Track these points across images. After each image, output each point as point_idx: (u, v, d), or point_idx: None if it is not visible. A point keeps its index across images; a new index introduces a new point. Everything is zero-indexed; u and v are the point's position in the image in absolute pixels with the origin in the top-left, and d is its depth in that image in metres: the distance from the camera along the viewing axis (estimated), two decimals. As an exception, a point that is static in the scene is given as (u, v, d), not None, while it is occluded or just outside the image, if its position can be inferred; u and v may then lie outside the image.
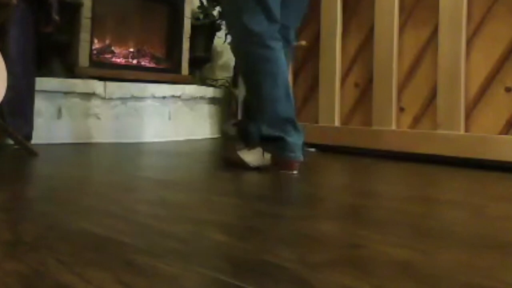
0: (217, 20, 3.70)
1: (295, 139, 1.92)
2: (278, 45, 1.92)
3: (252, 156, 1.95)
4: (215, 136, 3.64)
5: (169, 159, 2.44)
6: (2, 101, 1.98)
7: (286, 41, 2.04)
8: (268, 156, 1.94)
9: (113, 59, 3.24)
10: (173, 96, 3.29)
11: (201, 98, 3.51)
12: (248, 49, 1.91)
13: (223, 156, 2.12)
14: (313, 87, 2.88)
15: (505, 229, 1.18)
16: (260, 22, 1.88)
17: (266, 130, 1.92)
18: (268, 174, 1.91)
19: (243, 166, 1.94)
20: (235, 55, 2.08)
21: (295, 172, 1.91)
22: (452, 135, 2.31)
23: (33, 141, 2.40)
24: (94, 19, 2.99)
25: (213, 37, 3.80)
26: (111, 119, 3.01)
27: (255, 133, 1.95)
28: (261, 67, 1.90)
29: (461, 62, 2.30)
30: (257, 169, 1.94)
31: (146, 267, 0.79)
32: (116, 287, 0.70)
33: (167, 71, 3.43)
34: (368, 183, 1.94)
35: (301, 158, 1.93)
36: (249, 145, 1.98)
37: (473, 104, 2.30)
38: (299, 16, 2.12)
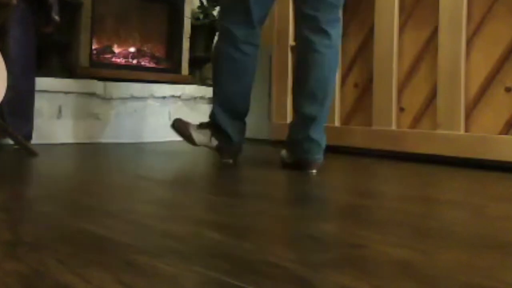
0: (217, 20, 3.69)
1: (234, 127, 2.10)
2: (250, 50, 2.04)
3: (198, 135, 2.16)
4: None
5: (169, 159, 2.44)
6: (2, 101, 1.98)
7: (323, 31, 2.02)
8: (214, 142, 2.13)
9: (113, 59, 3.24)
10: (173, 96, 3.29)
11: (201, 98, 3.51)
12: (223, 49, 2.06)
13: (174, 125, 2.26)
14: (313, 87, 2.88)
15: (505, 229, 1.18)
16: (238, 26, 2.01)
17: (215, 118, 2.10)
18: (268, 174, 1.91)
19: (190, 141, 2.17)
20: (213, 53, 2.24)
21: (230, 160, 2.13)
22: (452, 135, 2.31)
23: (33, 141, 2.40)
24: (94, 19, 2.99)
25: (213, 37, 3.80)
26: (111, 119, 3.01)
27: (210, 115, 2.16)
28: (228, 67, 2.05)
29: (461, 62, 2.30)
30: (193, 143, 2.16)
31: (146, 267, 0.79)
32: (116, 287, 0.70)
33: (167, 71, 3.43)
34: (368, 183, 1.94)
35: (240, 149, 2.15)
36: (202, 124, 2.18)
37: (473, 104, 2.30)
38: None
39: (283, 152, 2.12)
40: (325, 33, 1.96)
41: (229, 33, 2.02)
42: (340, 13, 2.05)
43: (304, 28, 2.00)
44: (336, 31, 2.00)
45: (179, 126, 2.22)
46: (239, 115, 2.13)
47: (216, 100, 2.13)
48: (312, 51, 1.96)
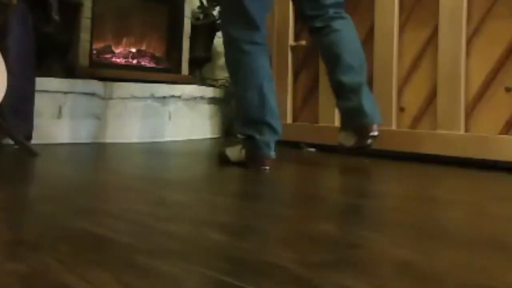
0: (217, 20, 3.69)
1: (267, 138, 2.00)
2: (254, 49, 2.01)
3: (231, 152, 2.11)
4: (215, 136, 3.64)
5: (169, 159, 2.44)
6: (2, 101, 1.98)
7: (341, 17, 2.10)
8: (243, 152, 2.06)
9: (113, 59, 3.24)
10: (173, 96, 3.29)
11: (201, 98, 3.51)
12: (229, 53, 2.06)
13: (217, 151, 2.27)
14: (313, 87, 2.88)
15: (505, 229, 1.18)
16: (237, 28, 2.01)
17: (241, 129, 2.05)
18: (268, 174, 1.91)
19: (226, 161, 2.11)
20: (225, 61, 2.17)
21: (266, 167, 2.00)
22: (452, 135, 2.31)
23: (33, 141, 2.40)
24: (94, 19, 2.99)
25: (213, 37, 3.80)
26: (111, 119, 3.01)
27: (235, 131, 2.15)
28: (236, 70, 2.04)
29: (461, 62, 2.30)
30: (238, 164, 2.05)
31: (146, 267, 0.79)
32: (116, 287, 0.70)
33: (167, 71, 3.43)
34: (368, 183, 1.94)
35: (272, 156, 2.02)
36: (233, 141, 2.17)
37: (473, 104, 2.30)
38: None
39: (341, 137, 2.14)
40: (339, 16, 2.07)
41: (231, 38, 2.02)
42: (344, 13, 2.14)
43: (316, 27, 2.08)
44: (348, 18, 2.11)
45: (217, 152, 2.23)
46: (265, 123, 2.02)
47: (239, 118, 2.07)
48: (333, 31, 2.04)
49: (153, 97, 3.19)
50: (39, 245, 0.89)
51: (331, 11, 2.07)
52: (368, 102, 2.03)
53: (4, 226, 1.05)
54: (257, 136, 1.99)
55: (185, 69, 3.48)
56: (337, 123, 2.77)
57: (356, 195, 1.62)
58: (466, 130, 2.30)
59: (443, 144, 2.34)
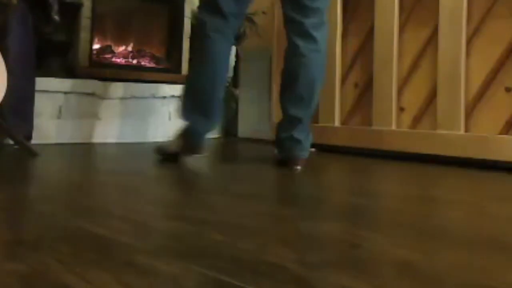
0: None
1: (199, 125, 2.07)
2: (217, 37, 2.04)
3: (172, 142, 2.14)
4: (215, 136, 3.64)
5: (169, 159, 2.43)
6: (2, 101, 1.98)
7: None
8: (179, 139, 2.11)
9: (113, 59, 3.24)
10: (173, 96, 3.29)
11: (201, 98, 3.50)
12: (194, 37, 2.17)
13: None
14: (313, 87, 2.87)
15: (505, 229, 1.18)
16: (207, 14, 2.04)
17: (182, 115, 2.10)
18: (268, 174, 1.91)
19: (168, 151, 2.13)
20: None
21: (204, 154, 2.11)
22: (452, 135, 2.31)
23: (33, 141, 2.40)
24: (94, 19, 2.99)
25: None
26: (111, 119, 3.01)
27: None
28: (196, 53, 2.12)
29: (461, 62, 2.30)
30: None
31: (146, 267, 0.79)
32: (116, 287, 0.70)
33: (167, 71, 3.43)
34: (368, 183, 1.94)
35: (203, 145, 2.10)
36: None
37: (473, 104, 2.30)
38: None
39: (276, 150, 2.17)
40: (311, 37, 2.02)
41: (200, 21, 2.09)
42: (325, 16, 2.09)
43: (291, 32, 2.06)
44: (322, 35, 2.06)
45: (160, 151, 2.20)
46: (209, 106, 2.08)
47: (184, 93, 2.13)
48: (299, 55, 2.03)
49: (153, 97, 3.18)
50: (39, 245, 0.89)
51: (310, 21, 2.02)
52: (298, 137, 2.05)
53: (4, 226, 1.05)
54: (193, 126, 2.06)
55: (185, 69, 3.47)
56: (337, 123, 2.77)
57: (356, 195, 1.62)
58: (466, 130, 2.30)
59: (443, 144, 2.33)
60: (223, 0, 2.03)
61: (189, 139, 2.08)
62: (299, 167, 2.01)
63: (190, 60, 2.18)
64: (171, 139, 2.18)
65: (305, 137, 2.08)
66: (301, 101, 2.04)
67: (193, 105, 2.06)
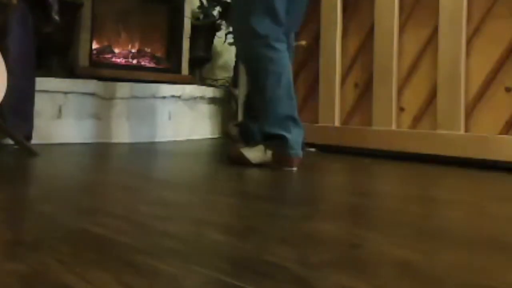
0: (217, 20, 3.69)
1: (295, 136, 1.99)
2: (282, 46, 2.02)
3: (253, 153, 2.01)
4: (215, 136, 3.64)
5: (169, 159, 2.44)
6: (2, 101, 1.98)
7: (287, 44, 2.10)
8: (269, 153, 1.99)
9: (113, 59, 3.24)
10: (173, 96, 3.29)
11: (201, 98, 3.51)
12: (255, 50, 2.00)
13: (228, 155, 2.14)
14: (313, 87, 2.88)
15: (505, 229, 1.18)
16: (266, 25, 1.98)
17: (268, 128, 2.00)
18: (268, 174, 1.91)
19: (245, 163, 1.99)
20: (241, 57, 2.16)
21: (294, 168, 1.97)
22: (452, 135, 2.31)
23: (33, 141, 2.40)
24: (94, 19, 2.99)
25: (213, 37, 3.80)
26: (111, 119, 3.01)
27: (257, 131, 2.07)
28: (266, 67, 1.99)
29: (461, 62, 2.30)
30: (259, 166, 1.98)
31: (146, 267, 0.79)
32: (116, 287, 0.70)
33: (167, 71, 3.43)
34: (368, 183, 1.94)
35: (301, 155, 2.00)
36: (251, 143, 2.07)
37: (473, 104, 2.30)
38: (299, 21, 2.24)
39: (246, 150, 2.09)
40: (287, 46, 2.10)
41: (258, 34, 1.97)
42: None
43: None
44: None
45: (231, 156, 2.11)
46: (291, 115, 2.02)
47: (266, 116, 2.01)
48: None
49: (153, 97, 3.18)
50: (39, 245, 0.89)
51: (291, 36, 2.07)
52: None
53: (4, 226, 1.05)
54: (287, 135, 1.96)
55: (185, 69, 3.48)
56: (337, 123, 2.77)
57: (356, 195, 1.62)
58: (466, 130, 2.30)
59: (443, 144, 2.33)
60: (280, 8, 1.99)
61: (284, 151, 1.97)
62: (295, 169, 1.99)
63: (258, 74, 2.02)
64: (251, 147, 2.03)
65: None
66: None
67: (282, 117, 1.98)
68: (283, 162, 1.97)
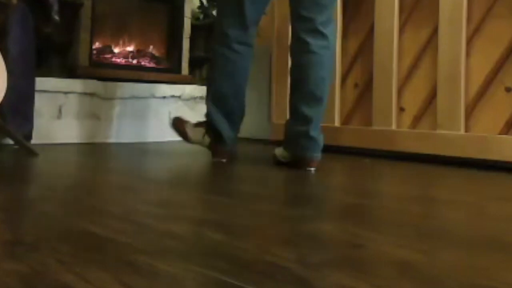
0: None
1: (224, 127, 2.14)
2: (243, 50, 2.10)
3: (193, 132, 2.22)
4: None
5: (169, 159, 2.44)
6: (2, 101, 1.98)
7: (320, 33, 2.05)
8: (207, 140, 2.19)
9: (113, 59, 3.24)
10: (173, 96, 3.29)
11: (201, 98, 3.50)
12: (218, 48, 2.12)
13: (173, 120, 2.34)
14: (313, 87, 2.87)
15: (505, 229, 1.18)
16: (232, 27, 2.07)
17: (210, 114, 2.16)
18: (268, 174, 1.91)
19: (183, 136, 2.26)
20: (211, 52, 2.28)
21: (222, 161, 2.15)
22: (452, 135, 2.31)
23: (33, 141, 2.40)
24: (94, 19, 2.99)
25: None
26: (111, 119, 3.01)
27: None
28: (222, 66, 2.12)
29: (461, 62, 2.30)
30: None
31: (146, 267, 0.79)
32: (116, 287, 0.70)
33: (167, 71, 3.43)
34: (368, 183, 1.94)
35: (228, 148, 2.17)
36: (198, 122, 2.26)
37: (473, 104, 2.30)
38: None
39: (277, 151, 2.15)
40: (321, 34, 2.01)
41: (223, 34, 2.09)
42: (333, 14, 2.10)
43: (299, 29, 2.04)
44: (331, 32, 2.05)
45: (176, 123, 2.30)
46: (233, 115, 2.16)
47: (209, 98, 2.17)
48: (309, 52, 2.00)
49: (153, 97, 3.18)
50: (39, 245, 0.89)
51: (320, 18, 2.01)
52: (314, 135, 2.02)
53: (4, 226, 1.05)
54: (212, 122, 2.14)
55: (185, 69, 3.48)
56: (337, 123, 2.77)
57: (356, 195, 1.62)
58: (466, 130, 2.30)
59: (443, 144, 2.34)
60: (248, 9, 2.05)
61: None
62: (313, 168, 1.99)
63: (210, 69, 2.22)
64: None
65: (319, 137, 2.04)
66: (312, 99, 2.01)
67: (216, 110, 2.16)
68: (216, 151, 2.17)
